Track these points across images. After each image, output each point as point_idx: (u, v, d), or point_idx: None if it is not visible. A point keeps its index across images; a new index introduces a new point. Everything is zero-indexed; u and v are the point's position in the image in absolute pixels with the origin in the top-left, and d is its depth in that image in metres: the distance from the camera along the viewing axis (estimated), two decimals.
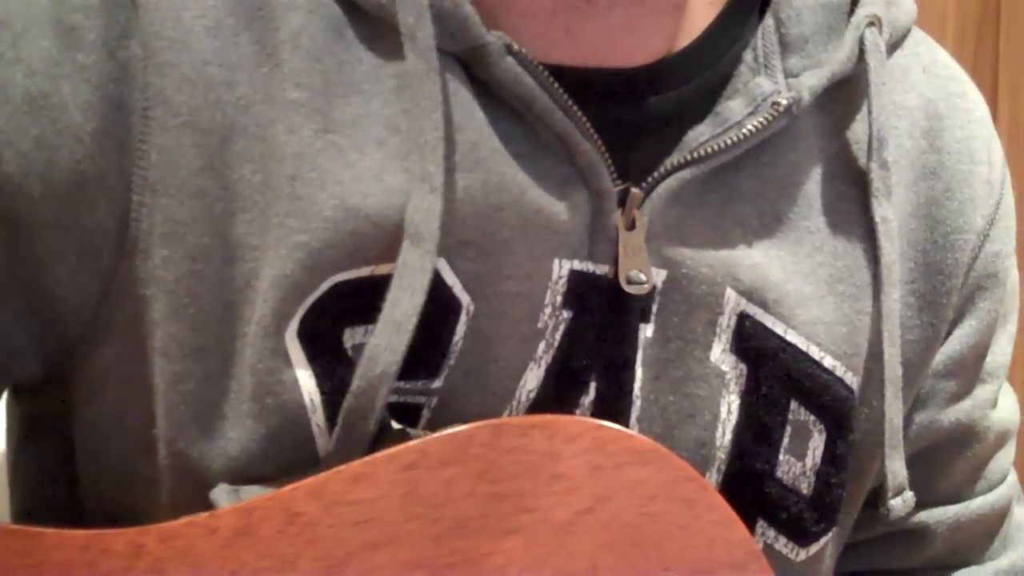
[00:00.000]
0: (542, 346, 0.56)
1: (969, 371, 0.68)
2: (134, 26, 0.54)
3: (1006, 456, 0.71)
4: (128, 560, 0.49)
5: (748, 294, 0.59)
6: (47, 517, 0.58)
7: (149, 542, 0.49)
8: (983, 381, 0.68)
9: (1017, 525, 0.72)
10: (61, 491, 0.60)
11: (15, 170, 0.53)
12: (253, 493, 0.53)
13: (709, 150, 0.58)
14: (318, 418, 0.54)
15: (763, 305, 0.59)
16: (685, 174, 0.57)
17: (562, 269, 0.56)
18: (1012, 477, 0.71)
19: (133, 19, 0.54)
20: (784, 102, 0.59)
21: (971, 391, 0.68)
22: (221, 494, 0.53)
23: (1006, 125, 1.54)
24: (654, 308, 0.58)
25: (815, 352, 0.60)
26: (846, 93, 0.62)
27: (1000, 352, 0.69)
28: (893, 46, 0.65)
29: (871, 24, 0.62)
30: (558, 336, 0.57)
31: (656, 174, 0.57)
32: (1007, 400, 0.71)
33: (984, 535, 0.70)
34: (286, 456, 0.54)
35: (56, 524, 0.49)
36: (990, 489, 0.69)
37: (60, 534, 0.49)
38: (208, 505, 0.53)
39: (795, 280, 0.60)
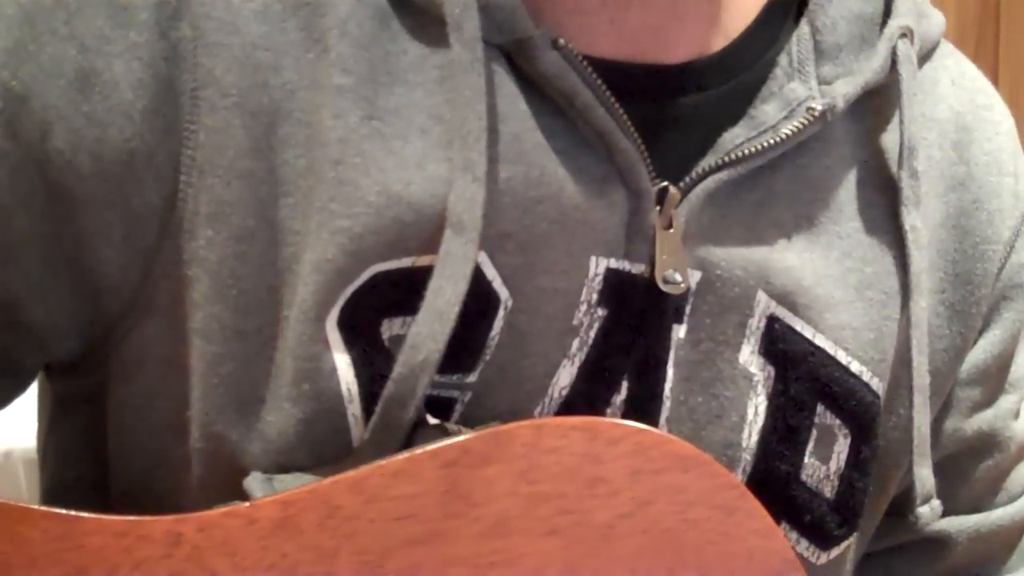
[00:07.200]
0: (576, 343, 0.56)
1: (992, 380, 0.68)
2: (185, 7, 0.54)
3: None
4: (166, 548, 0.48)
5: (779, 297, 0.59)
6: (73, 500, 0.58)
7: (187, 530, 0.48)
8: (1006, 391, 0.69)
9: None
10: (87, 474, 0.60)
11: (65, 146, 0.53)
12: (287, 482, 0.52)
13: (745, 152, 0.58)
14: (354, 408, 0.54)
15: (793, 308, 0.59)
16: (722, 176, 0.58)
17: (599, 267, 0.56)
18: None
19: (184, 0, 0.53)
20: (819, 108, 0.59)
21: (994, 401, 0.68)
22: (254, 482, 0.53)
23: None
24: (687, 309, 0.58)
25: (842, 357, 0.60)
26: (877, 103, 0.63)
27: (1023, 363, 0.69)
28: (923, 58, 0.65)
29: (903, 35, 0.62)
30: (592, 334, 0.56)
31: (693, 175, 0.57)
32: None
33: (1003, 547, 0.70)
34: (321, 444, 0.54)
35: (82, 507, 0.49)
36: (1010, 501, 0.70)
37: (98, 519, 0.48)
38: (239, 490, 0.52)
39: (825, 284, 0.60)
